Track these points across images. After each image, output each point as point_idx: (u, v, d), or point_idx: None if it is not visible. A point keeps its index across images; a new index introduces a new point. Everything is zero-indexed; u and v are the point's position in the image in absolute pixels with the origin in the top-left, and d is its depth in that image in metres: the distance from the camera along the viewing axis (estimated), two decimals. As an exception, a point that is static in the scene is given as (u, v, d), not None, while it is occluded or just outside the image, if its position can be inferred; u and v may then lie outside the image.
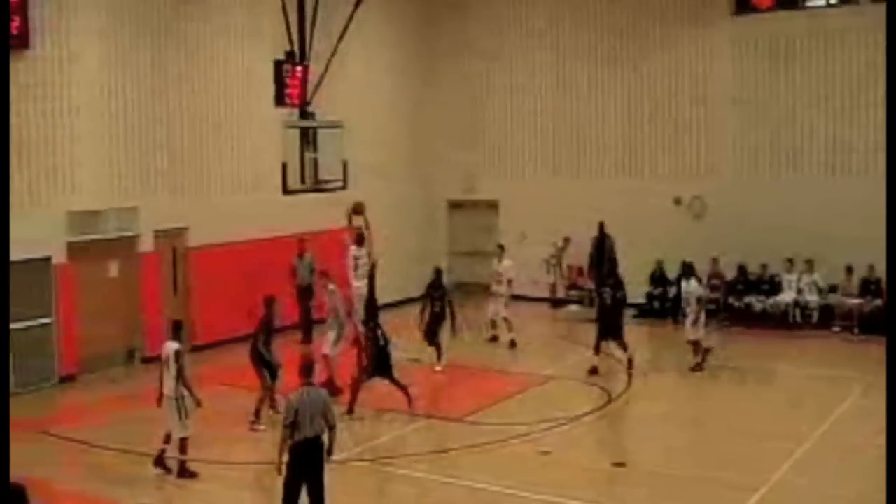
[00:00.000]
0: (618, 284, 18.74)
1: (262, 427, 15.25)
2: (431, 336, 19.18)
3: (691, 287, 19.06)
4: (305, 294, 21.56)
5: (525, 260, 24.79)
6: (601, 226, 23.90)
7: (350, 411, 15.56)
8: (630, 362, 18.32)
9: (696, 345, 18.81)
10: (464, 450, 14.08)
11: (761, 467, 13.09)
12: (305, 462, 10.59)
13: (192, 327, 20.60)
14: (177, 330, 13.69)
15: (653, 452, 14.13)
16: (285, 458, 10.58)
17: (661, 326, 23.11)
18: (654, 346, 21.69)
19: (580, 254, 25.12)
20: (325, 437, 10.71)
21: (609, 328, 18.53)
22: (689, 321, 18.90)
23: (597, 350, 18.60)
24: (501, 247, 22.37)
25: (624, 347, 18.51)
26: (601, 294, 18.95)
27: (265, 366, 15.81)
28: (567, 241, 25.34)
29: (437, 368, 18.91)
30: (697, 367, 18.63)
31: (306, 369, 11.02)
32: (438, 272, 19.70)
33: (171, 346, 13.28)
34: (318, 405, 10.67)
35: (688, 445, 14.31)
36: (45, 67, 18.06)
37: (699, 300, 18.88)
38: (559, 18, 25.92)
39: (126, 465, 13.80)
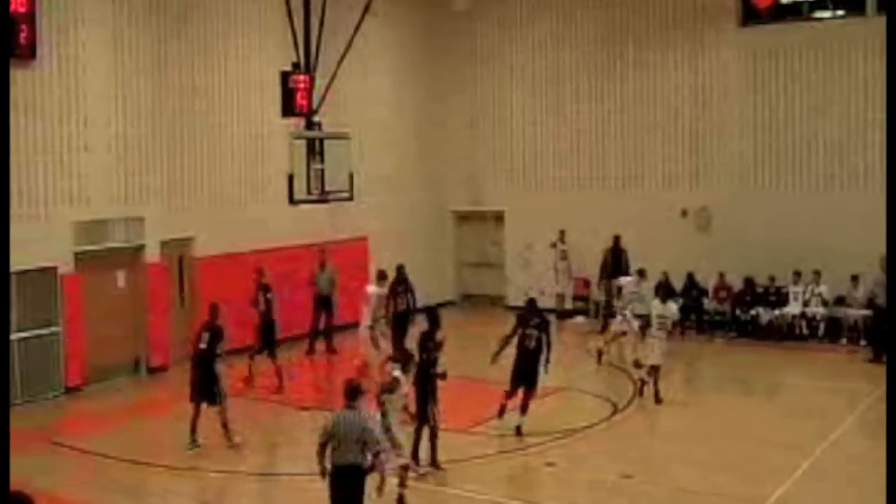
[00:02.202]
0: (545, 324, 15.76)
1: (239, 439, 14.80)
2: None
3: (670, 311, 17.57)
4: (324, 305, 21.81)
5: (532, 271, 24.89)
6: (616, 239, 23.86)
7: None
8: (518, 429, 15.28)
9: (657, 370, 17.46)
10: (468, 461, 14.04)
11: (767, 479, 13.05)
12: (343, 490, 10.05)
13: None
14: (404, 360, 12.93)
15: (659, 464, 14.10)
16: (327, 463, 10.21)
17: (668, 338, 23.04)
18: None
19: (584, 264, 25.21)
20: (367, 464, 10.11)
21: (526, 375, 15.37)
22: (656, 345, 17.34)
23: (508, 396, 15.58)
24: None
25: (525, 406, 15.36)
26: (526, 334, 15.52)
27: (216, 384, 14.71)
28: (562, 234, 25.36)
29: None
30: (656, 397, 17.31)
31: (350, 392, 10.35)
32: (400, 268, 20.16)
33: (395, 374, 12.57)
34: (356, 431, 10.00)
35: (694, 457, 14.26)
36: (52, 77, 18.11)
37: (674, 325, 17.84)
38: (564, 29, 25.96)
39: (132, 475, 13.77)
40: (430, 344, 13.62)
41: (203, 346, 14.88)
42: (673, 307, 17.81)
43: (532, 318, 15.67)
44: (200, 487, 13.39)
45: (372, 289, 19.06)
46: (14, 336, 17.31)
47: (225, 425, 14.72)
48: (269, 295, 18.97)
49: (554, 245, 25.54)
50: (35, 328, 17.78)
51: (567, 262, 25.56)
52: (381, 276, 19.59)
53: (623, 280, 20.98)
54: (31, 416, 16.72)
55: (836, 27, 23.04)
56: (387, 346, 18.48)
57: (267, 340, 18.67)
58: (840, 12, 23.22)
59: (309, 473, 13.57)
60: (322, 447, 10.16)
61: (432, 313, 14.15)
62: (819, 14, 23.49)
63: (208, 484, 13.45)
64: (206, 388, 14.64)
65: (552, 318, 22.74)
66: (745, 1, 23.65)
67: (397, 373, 12.29)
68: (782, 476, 13.17)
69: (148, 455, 14.33)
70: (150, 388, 19.09)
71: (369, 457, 10.07)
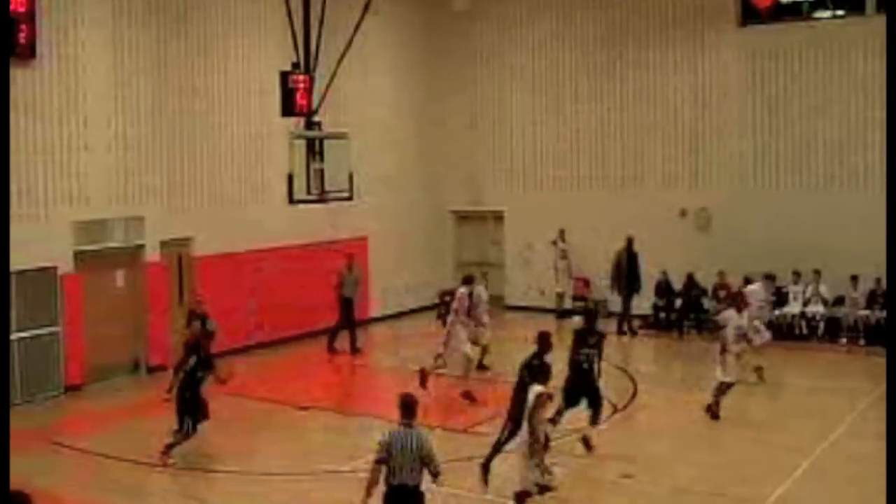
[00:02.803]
0: (601, 341, 14.83)
1: (173, 461, 14.11)
2: None
3: (744, 321, 16.56)
4: (349, 305, 21.84)
5: (532, 271, 24.90)
6: (630, 241, 23.66)
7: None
8: (586, 442, 14.71)
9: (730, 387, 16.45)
10: (468, 461, 14.00)
11: (767, 479, 13.06)
12: None
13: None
14: (536, 374, 12.43)
15: (658, 464, 14.08)
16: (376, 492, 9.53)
17: (667, 338, 23.09)
18: (661, 357, 21.67)
19: (583, 263, 25.23)
20: (426, 485, 9.56)
21: (586, 392, 14.75)
22: (731, 360, 16.08)
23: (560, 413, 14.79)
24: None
25: (596, 418, 14.81)
26: (581, 353, 14.64)
27: (192, 406, 14.33)
28: (562, 233, 25.36)
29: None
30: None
31: (406, 408, 9.62)
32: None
33: (535, 389, 12.10)
34: (417, 450, 9.38)
35: (694, 457, 14.27)
36: (52, 77, 18.12)
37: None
38: (564, 29, 25.95)
39: (132, 474, 13.78)
40: (535, 365, 12.95)
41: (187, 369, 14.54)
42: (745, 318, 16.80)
43: (590, 336, 14.73)
44: (200, 487, 13.37)
45: (462, 290, 18.64)
46: (14, 336, 17.34)
47: (173, 445, 14.25)
48: (208, 326, 18.37)
49: (554, 243, 25.56)
50: (35, 328, 17.79)
51: (567, 261, 25.55)
52: (467, 280, 19.24)
53: (751, 288, 19.90)
54: (30, 416, 16.74)
55: (836, 27, 23.02)
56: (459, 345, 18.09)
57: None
58: (840, 12, 23.20)
59: (308, 473, 13.67)
60: (378, 466, 9.48)
61: (544, 338, 13.27)
62: (819, 14, 23.48)
63: (209, 484, 13.44)
64: (189, 407, 14.35)
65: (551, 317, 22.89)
66: (744, 1, 23.64)
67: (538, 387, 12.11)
68: (782, 476, 13.18)
69: (148, 455, 14.31)
70: (149, 387, 19.02)
71: (427, 477, 9.55)
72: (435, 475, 9.49)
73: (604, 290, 24.76)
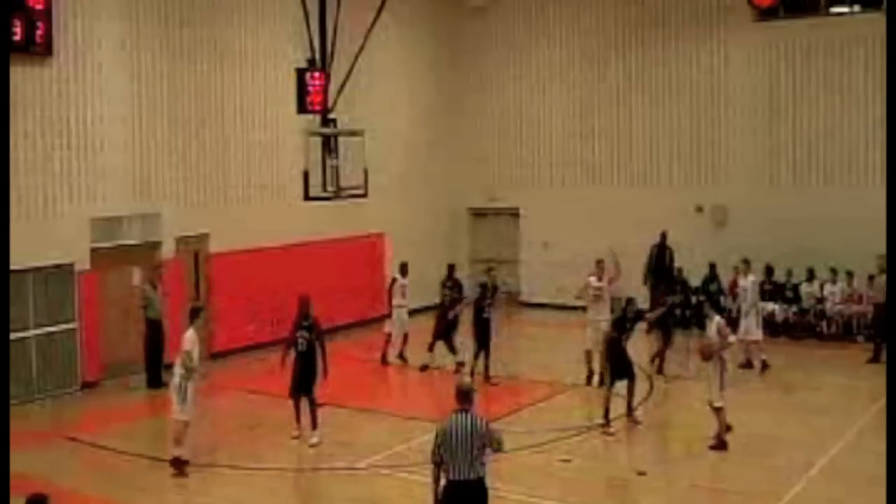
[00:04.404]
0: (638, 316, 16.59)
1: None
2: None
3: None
4: (157, 329, 19.16)
5: (550, 267, 24.84)
6: (663, 235, 23.52)
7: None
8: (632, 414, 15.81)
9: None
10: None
11: (783, 476, 13.01)
12: None
13: (212, 333, 20.70)
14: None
15: (673, 462, 14.06)
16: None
17: (683, 334, 22.96)
18: (677, 353, 21.51)
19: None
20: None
21: (624, 369, 15.84)
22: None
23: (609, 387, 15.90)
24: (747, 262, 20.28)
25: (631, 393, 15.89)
26: (626, 336, 15.99)
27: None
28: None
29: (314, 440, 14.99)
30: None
31: (463, 394, 9.03)
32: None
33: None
34: (476, 436, 8.73)
35: (709, 454, 14.22)
36: (70, 74, 18.18)
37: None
38: (581, 27, 25.92)
39: (147, 471, 13.81)
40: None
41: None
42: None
43: (631, 324, 16.15)
44: (216, 484, 13.40)
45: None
46: (31, 332, 17.46)
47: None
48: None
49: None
50: (52, 325, 17.86)
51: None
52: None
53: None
54: (47, 412, 16.84)
55: (853, 21, 22.91)
56: None
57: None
58: (856, 7, 23.08)
59: (325, 469, 13.67)
60: (438, 465, 8.89)
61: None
62: (836, 9, 23.35)
63: (225, 480, 13.47)
64: None
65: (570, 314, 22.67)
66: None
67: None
68: (798, 473, 13.13)
69: (164, 451, 14.35)
70: (165, 384, 19.10)
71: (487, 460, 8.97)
72: (496, 450, 8.96)
73: (621, 287, 24.49)
